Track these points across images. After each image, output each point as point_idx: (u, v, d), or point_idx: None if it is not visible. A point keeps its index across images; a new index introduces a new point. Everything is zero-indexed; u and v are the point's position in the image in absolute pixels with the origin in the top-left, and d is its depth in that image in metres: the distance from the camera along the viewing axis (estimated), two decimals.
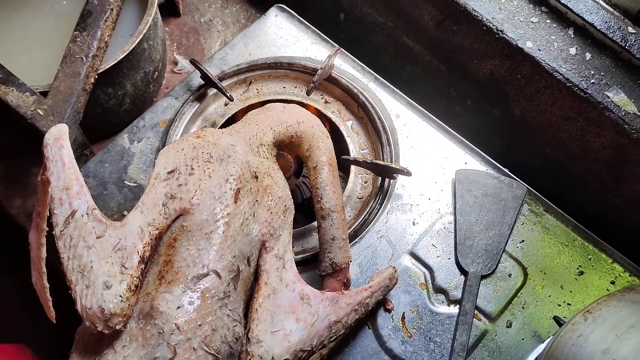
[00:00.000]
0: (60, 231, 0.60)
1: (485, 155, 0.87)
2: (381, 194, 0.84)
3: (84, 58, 0.82)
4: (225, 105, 0.92)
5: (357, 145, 0.90)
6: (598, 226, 0.83)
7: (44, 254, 0.68)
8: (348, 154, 0.88)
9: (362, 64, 0.94)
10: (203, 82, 0.91)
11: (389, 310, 0.77)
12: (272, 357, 0.60)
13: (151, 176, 0.65)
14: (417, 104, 0.90)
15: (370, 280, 0.75)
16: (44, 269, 0.69)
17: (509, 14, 0.84)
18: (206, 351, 0.57)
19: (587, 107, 0.79)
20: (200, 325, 0.57)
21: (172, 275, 0.59)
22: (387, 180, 0.85)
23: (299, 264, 0.77)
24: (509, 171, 0.86)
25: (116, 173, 0.86)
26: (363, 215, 0.82)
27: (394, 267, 0.76)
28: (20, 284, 0.90)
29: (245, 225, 0.63)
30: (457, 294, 0.78)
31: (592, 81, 0.79)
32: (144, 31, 0.90)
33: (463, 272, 0.79)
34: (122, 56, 0.87)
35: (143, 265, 0.60)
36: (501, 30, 0.83)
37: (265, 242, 0.66)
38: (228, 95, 0.88)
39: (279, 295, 0.63)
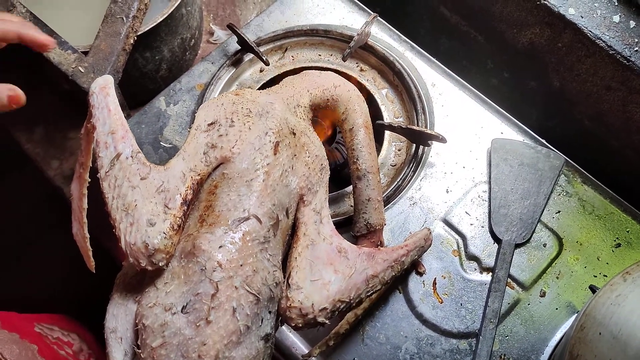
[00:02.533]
0: (105, 172, 0.61)
1: (522, 125, 0.85)
2: (415, 161, 0.84)
3: (124, 18, 0.83)
4: (261, 71, 0.93)
5: (391, 113, 0.89)
6: (637, 200, 0.81)
7: (85, 205, 0.69)
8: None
9: (399, 33, 0.93)
10: (239, 48, 0.92)
11: (420, 274, 0.76)
12: (312, 304, 0.60)
13: (191, 128, 0.66)
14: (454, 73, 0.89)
15: (405, 240, 0.74)
16: (85, 220, 0.71)
17: None
18: (247, 290, 0.57)
19: (630, 76, 0.77)
20: (241, 265, 0.58)
21: (213, 218, 0.60)
22: (421, 147, 0.84)
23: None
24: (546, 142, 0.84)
25: (152, 134, 0.87)
26: (396, 182, 0.82)
27: (429, 229, 0.75)
28: (59, 246, 0.92)
29: (284, 176, 0.64)
30: (489, 261, 0.77)
31: (635, 49, 0.77)
32: None
33: (497, 240, 0.78)
34: (161, 19, 0.88)
35: (185, 207, 0.60)
36: None
37: (303, 196, 0.66)
38: (264, 59, 0.89)
39: (317, 247, 0.64)
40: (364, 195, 0.71)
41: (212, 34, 1.13)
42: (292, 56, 0.94)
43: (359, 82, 0.91)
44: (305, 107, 0.74)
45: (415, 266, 0.76)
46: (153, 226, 0.58)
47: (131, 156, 0.62)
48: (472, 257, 0.78)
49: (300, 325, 0.61)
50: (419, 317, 0.75)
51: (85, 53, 0.82)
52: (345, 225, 0.79)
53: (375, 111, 0.89)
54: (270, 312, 0.60)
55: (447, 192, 0.82)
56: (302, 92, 0.75)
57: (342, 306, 0.62)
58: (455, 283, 0.76)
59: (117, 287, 0.61)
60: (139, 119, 0.88)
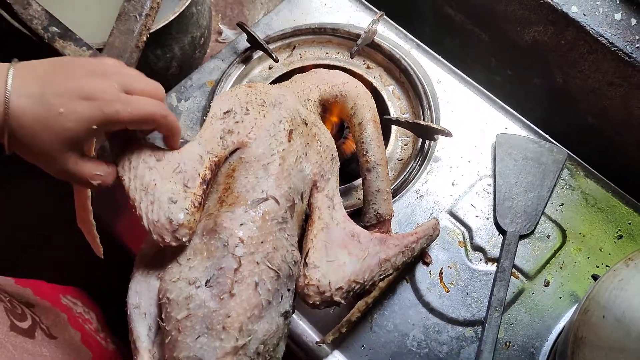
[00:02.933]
0: (118, 156, 0.61)
1: (526, 121, 0.88)
2: (421, 155, 0.86)
3: (137, 17, 0.86)
4: (270, 68, 0.95)
5: (398, 109, 0.91)
6: (638, 193, 0.83)
7: (89, 192, 0.71)
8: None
9: (405, 31, 0.95)
10: (249, 46, 0.94)
11: (427, 264, 0.78)
12: (329, 282, 0.62)
13: (207, 117, 0.68)
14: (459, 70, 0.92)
15: (415, 229, 0.76)
16: (90, 207, 0.72)
17: None
18: (268, 266, 0.59)
19: (632, 72, 0.79)
20: (262, 243, 0.60)
21: (233, 199, 0.62)
22: (427, 142, 0.86)
23: None
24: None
25: None
26: (403, 175, 0.84)
27: (437, 219, 0.77)
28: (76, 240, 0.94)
29: (298, 162, 0.66)
30: (495, 252, 0.79)
31: (637, 46, 0.79)
32: None
33: (501, 231, 0.80)
34: (172, 17, 0.90)
35: (205, 187, 0.62)
36: None
37: (316, 182, 0.68)
38: (274, 56, 0.91)
39: (331, 231, 0.66)
40: (374, 186, 0.74)
41: (220, 33, 1.16)
42: (300, 54, 0.96)
43: (366, 79, 0.93)
44: (314, 101, 0.77)
45: (422, 256, 0.78)
46: (175, 203, 0.59)
47: (144, 138, 0.63)
48: (478, 248, 0.80)
49: (317, 302, 0.63)
50: (426, 305, 0.76)
51: (100, 50, 0.84)
52: (354, 217, 0.81)
53: (381, 107, 0.91)
54: (289, 290, 0.62)
55: (453, 185, 0.84)
56: (312, 87, 0.77)
57: (356, 287, 0.64)
58: (461, 273, 0.78)
59: (138, 266, 0.62)
60: None
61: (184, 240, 0.60)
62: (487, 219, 0.82)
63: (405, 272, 0.78)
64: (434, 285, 0.77)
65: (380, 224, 0.74)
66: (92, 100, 0.54)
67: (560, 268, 0.78)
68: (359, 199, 0.84)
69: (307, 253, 0.64)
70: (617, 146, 0.89)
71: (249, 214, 0.61)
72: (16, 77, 0.53)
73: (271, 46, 0.94)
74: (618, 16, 0.81)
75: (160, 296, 0.60)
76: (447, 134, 0.82)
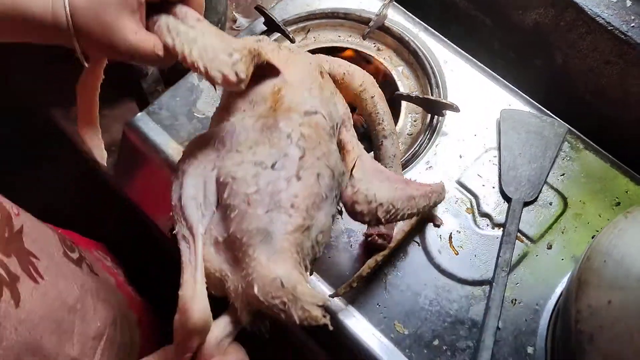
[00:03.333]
0: (154, 23, 0.62)
1: (529, 98, 0.93)
2: (430, 129, 0.91)
3: None
4: None
5: (407, 88, 0.97)
6: (636, 164, 0.88)
7: (97, 98, 0.70)
8: None
9: (413, 16, 1.01)
10: (265, 29, 0.99)
11: (437, 226, 0.83)
12: (375, 194, 0.65)
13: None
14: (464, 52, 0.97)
15: None
16: (97, 114, 0.71)
17: None
18: (326, 164, 0.62)
19: (627, 49, 0.85)
20: (319, 143, 0.63)
21: (286, 108, 0.64)
22: (435, 117, 0.92)
23: None
24: None
25: (186, 106, 0.94)
26: (413, 148, 0.89)
27: (443, 183, 0.81)
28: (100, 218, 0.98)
29: (332, 96, 0.70)
30: (500, 218, 0.84)
31: (632, 25, 0.85)
32: None
33: (507, 199, 0.85)
34: None
35: (255, 55, 0.63)
36: None
37: (345, 121, 0.72)
38: (290, 37, 0.96)
39: (365, 161, 0.69)
40: (390, 152, 0.79)
41: (234, 21, 1.21)
42: (314, 37, 1.01)
43: (377, 59, 0.98)
44: (325, 71, 0.79)
45: (432, 219, 0.83)
46: (230, 55, 0.60)
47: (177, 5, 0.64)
48: (485, 215, 0.85)
49: (365, 212, 0.65)
50: (437, 267, 0.81)
51: None
52: None
53: (392, 86, 0.96)
54: (336, 196, 0.64)
55: (460, 157, 0.89)
56: (322, 61, 0.80)
57: (392, 211, 0.66)
58: (469, 237, 0.83)
59: (188, 162, 0.63)
60: (173, 93, 0.95)
61: (242, 76, 0.60)
62: (493, 187, 0.87)
63: (416, 235, 0.83)
64: (444, 248, 0.82)
65: None
66: None
67: (562, 232, 0.84)
68: None
69: (353, 168, 0.66)
70: (613, 121, 0.95)
71: (304, 119, 0.63)
72: None
73: (287, 29, 0.99)
74: None
75: (222, 178, 0.61)
76: (455, 108, 0.88)
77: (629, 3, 0.86)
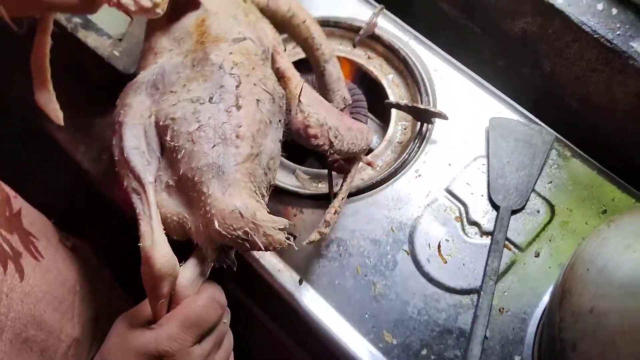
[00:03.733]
0: None
1: (517, 106, 0.94)
2: (419, 138, 0.92)
3: None
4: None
5: (397, 96, 0.97)
6: (623, 172, 0.89)
7: (47, 62, 0.73)
8: None
9: (403, 24, 1.02)
10: None
11: (372, 166, 0.87)
12: (325, 118, 0.67)
13: None
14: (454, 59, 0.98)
15: None
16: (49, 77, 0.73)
17: None
18: (263, 89, 0.61)
19: (613, 57, 0.86)
20: (253, 69, 0.62)
21: (213, 39, 0.64)
22: (425, 125, 0.92)
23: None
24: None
25: None
26: (403, 156, 0.90)
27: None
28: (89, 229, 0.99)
29: (258, 20, 0.70)
30: (489, 226, 0.85)
31: (617, 33, 0.86)
32: None
33: (495, 207, 0.86)
34: None
35: None
36: None
37: (276, 47, 0.72)
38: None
39: (306, 88, 0.70)
40: (335, 74, 0.80)
41: None
42: None
43: (367, 68, 0.99)
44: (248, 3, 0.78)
45: (369, 163, 0.84)
46: None
47: None
48: (473, 223, 0.85)
49: (318, 134, 0.66)
50: (426, 275, 0.82)
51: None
52: (359, 194, 0.87)
53: (382, 94, 0.97)
54: (280, 121, 0.65)
55: (449, 165, 0.90)
56: None
57: (339, 137, 0.68)
58: (458, 245, 0.84)
59: (124, 114, 0.62)
60: None
61: (157, 0, 0.61)
62: (482, 195, 0.87)
63: (405, 245, 0.83)
64: (433, 257, 0.83)
65: (346, 107, 0.81)
66: None
67: (550, 240, 0.84)
68: (362, 179, 0.89)
69: (299, 97, 0.66)
70: (600, 128, 0.96)
71: (233, 47, 0.63)
72: None
73: None
74: (600, 6, 0.87)
75: (162, 122, 0.60)
76: (444, 116, 0.88)
77: (614, 11, 0.87)
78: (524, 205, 0.86)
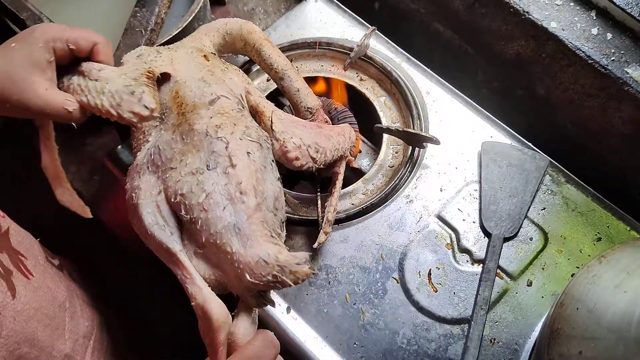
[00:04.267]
0: (67, 86, 0.68)
1: (510, 130, 0.92)
2: (411, 162, 0.90)
3: (142, 31, 0.91)
4: (268, 80, 0.99)
5: (389, 119, 0.96)
6: (617, 198, 0.88)
7: (53, 136, 0.78)
8: None
9: (396, 45, 1.01)
10: (247, 59, 0.99)
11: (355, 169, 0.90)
12: (301, 139, 0.72)
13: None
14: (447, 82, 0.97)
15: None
16: (57, 157, 0.80)
17: None
18: (249, 140, 0.68)
19: (608, 83, 0.84)
20: (235, 125, 0.68)
21: (191, 107, 0.69)
22: (416, 150, 0.91)
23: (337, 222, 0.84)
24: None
25: None
26: (394, 181, 0.88)
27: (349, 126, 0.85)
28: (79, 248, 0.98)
29: (224, 73, 0.75)
30: (480, 254, 0.84)
31: (612, 59, 0.84)
32: (196, 11, 0.98)
33: (487, 234, 0.85)
34: (175, 32, 0.95)
35: (153, 81, 0.69)
36: (527, 12, 0.89)
37: (247, 89, 0.77)
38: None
39: (279, 113, 0.76)
40: (293, 88, 0.83)
41: None
42: (297, 67, 1.01)
43: (359, 90, 0.98)
44: (208, 47, 0.82)
45: (348, 163, 0.87)
46: (130, 86, 0.66)
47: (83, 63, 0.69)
48: (464, 250, 0.84)
49: (299, 156, 0.72)
50: (415, 304, 0.80)
51: None
52: (348, 220, 0.85)
53: (373, 117, 0.96)
54: (272, 161, 0.71)
55: (441, 190, 0.88)
56: (202, 37, 0.83)
57: (320, 150, 0.75)
58: (448, 274, 0.82)
59: (135, 197, 0.67)
60: None
61: (152, 107, 0.66)
62: (474, 222, 0.86)
63: (395, 272, 0.82)
64: (423, 285, 0.82)
65: (314, 115, 0.83)
66: (37, 28, 0.65)
67: (542, 269, 0.83)
68: (352, 204, 0.88)
69: (271, 127, 0.73)
70: (595, 153, 0.94)
71: (211, 110, 0.69)
72: None
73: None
74: (595, 31, 0.86)
75: (172, 198, 0.66)
76: (435, 141, 0.87)
77: (609, 36, 0.86)
78: (517, 233, 0.85)
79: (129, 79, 0.67)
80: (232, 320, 0.63)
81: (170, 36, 0.95)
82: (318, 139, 0.75)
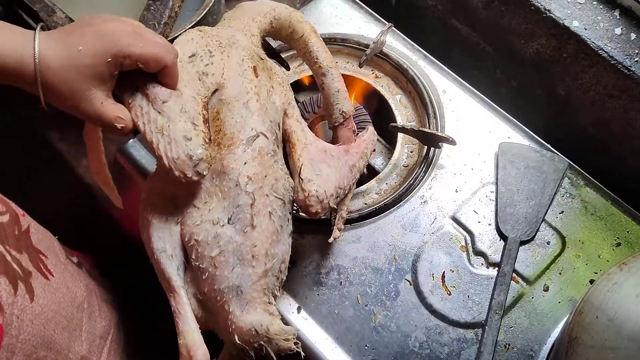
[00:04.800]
0: (129, 103, 0.65)
1: (529, 131, 0.90)
2: (426, 162, 0.89)
3: (156, 25, 0.90)
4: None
5: (404, 117, 0.94)
6: (637, 202, 0.85)
7: (101, 147, 0.77)
8: None
9: (412, 42, 0.99)
10: None
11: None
12: (324, 191, 0.71)
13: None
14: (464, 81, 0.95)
15: (361, 137, 0.81)
16: (104, 160, 0.78)
17: None
18: (275, 196, 0.68)
19: (631, 85, 0.82)
20: (265, 177, 0.68)
21: (228, 140, 0.68)
22: (432, 149, 0.89)
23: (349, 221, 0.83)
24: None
25: None
26: (408, 181, 0.87)
27: (373, 130, 0.83)
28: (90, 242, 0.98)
29: (269, 95, 0.72)
30: (496, 257, 0.82)
31: (636, 59, 0.82)
32: (210, 5, 0.97)
33: (503, 237, 0.83)
34: (189, 26, 0.94)
35: (208, 125, 0.67)
36: (548, 10, 0.87)
37: (286, 110, 0.75)
38: (286, 64, 0.94)
39: (310, 149, 0.74)
40: (333, 88, 0.80)
41: None
42: None
43: (374, 87, 0.96)
44: (257, 36, 0.80)
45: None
46: (190, 140, 0.63)
47: (149, 83, 0.66)
48: (479, 253, 0.82)
49: (319, 210, 0.71)
50: (428, 307, 0.79)
51: None
52: (361, 220, 0.84)
53: (388, 115, 0.94)
54: (290, 213, 0.71)
55: (457, 191, 0.87)
56: (250, 23, 0.80)
57: (340, 192, 0.74)
58: (462, 277, 0.81)
59: (151, 213, 0.68)
60: None
61: (204, 174, 0.65)
62: (489, 224, 0.84)
63: (408, 274, 0.81)
64: (436, 288, 0.80)
65: (346, 120, 0.81)
66: (108, 35, 0.60)
67: (560, 274, 0.81)
68: (365, 204, 0.87)
69: (300, 171, 0.71)
70: (616, 156, 0.92)
71: (248, 153, 0.67)
72: (42, 33, 0.60)
73: (283, 55, 0.97)
74: (618, 30, 0.84)
75: (187, 239, 0.66)
76: (452, 141, 0.85)
77: (633, 36, 0.83)
78: (534, 236, 0.83)
79: (189, 122, 0.64)
80: None
81: (184, 30, 0.94)
82: (342, 178, 0.73)
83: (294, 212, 0.75)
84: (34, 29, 0.60)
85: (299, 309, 0.79)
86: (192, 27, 0.94)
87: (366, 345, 0.77)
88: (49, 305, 0.63)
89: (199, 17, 0.95)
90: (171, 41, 0.90)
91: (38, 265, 0.65)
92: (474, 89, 0.94)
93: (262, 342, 0.64)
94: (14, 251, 0.61)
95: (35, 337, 0.60)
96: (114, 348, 0.79)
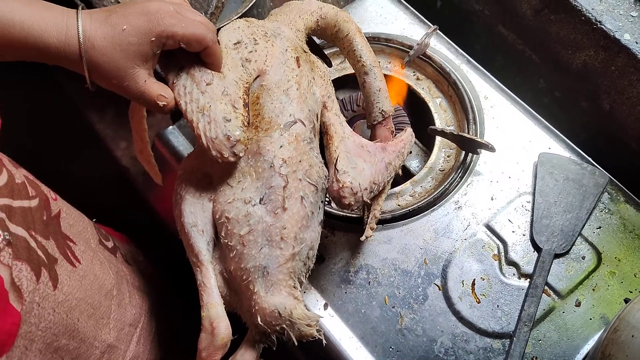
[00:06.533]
0: (173, 82, 0.66)
1: (570, 143, 0.89)
2: (463, 167, 0.88)
3: (203, 14, 0.90)
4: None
5: (443, 121, 0.94)
6: None
7: (145, 124, 0.78)
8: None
9: (456, 46, 0.98)
10: None
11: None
12: (359, 184, 0.70)
13: (221, 47, 0.72)
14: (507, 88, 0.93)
15: (399, 136, 0.81)
16: (147, 138, 0.79)
17: (609, 7, 0.86)
18: (309, 182, 0.68)
19: None
20: (300, 162, 0.68)
21: (266, 124, 0.68)
22: (469, 155, 0.88)
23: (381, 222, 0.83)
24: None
25: None
26: (443, 185, 0.86)
27: (411, 130, 0.82)
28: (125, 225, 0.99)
29: (310, 86, 0.72)
30: (528, 268, 0.81)
31: None
32: None
33: (537, 248, 0.82)
34: (235, 17, 0.95)
35: (247, 109, 0.68)
36: (600, 21, 0.85)
37: (325, 103, 0.75)
38: (328, 60, 0.94)
39: (347, 143, 0.74)
40: (375, 86, 0.80)
41: None
42: None
43: (415, 89, 0.96)
44: (302, 32, 0.80)
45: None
46: (229, 122, 0.64)
47: (195, 65, 0.67)
48: (512, 263, 0.81)
49: (352, 202, 0.70)
50: (456, 314, 0.78)
51: None
52: (394, 221, 0.84)
53: (428, 118, 0.94)
54: (322, 202, 0.70)
55: (492, 199, 0.86)
56: (296, 19, 0.81)
57: (374, 188, 0.73)
58: (493, 285, 0.80)
59: (186, 189, 0.69)
60: None
61: (240, 155, 0.65)
62: (524, 235, 0.83)
63: (437, 279, 0.80)
64: (466, 295, 0.79)
65: (385, 120, 0.81)
66: (151, 15, 0.61)
67: (593, 290, 0.79)
68: (399, 205, 0.86)
69: (336, 162, 0.71)
70: None
71: (284, 137, 0.68)
72: (84, 12, 0.61)
73: (326, 52, 0.97)
74: None
75: (218, 216, 0.67)
76: (491, 148, 0.84)
77: None
78: (569, 250, 0.81)
79: (229, 105, 0.65)
80: (239, 349, 0.67)
81: (230, 21, 0.94)
82: (377, 173, 0.73)
83: (327, 203, 0.75)
84: (75, 8, 0.61)
85: (325, 306, 0.79)
86: (238, 18, 0.95)
87: (391, 347, 0.77)
88: (74, 293, 0.63)
89: (245, 10, 0.96)
90: (217, 30, 0.92)
91: (65, 252, 0.64)
92: (516, 97, 0.93)
93: (284, 326, 0.64)
94: (40, 237, 0.60)
95: (56, 325, 0.59)
96: (144, 336, 0.78)
